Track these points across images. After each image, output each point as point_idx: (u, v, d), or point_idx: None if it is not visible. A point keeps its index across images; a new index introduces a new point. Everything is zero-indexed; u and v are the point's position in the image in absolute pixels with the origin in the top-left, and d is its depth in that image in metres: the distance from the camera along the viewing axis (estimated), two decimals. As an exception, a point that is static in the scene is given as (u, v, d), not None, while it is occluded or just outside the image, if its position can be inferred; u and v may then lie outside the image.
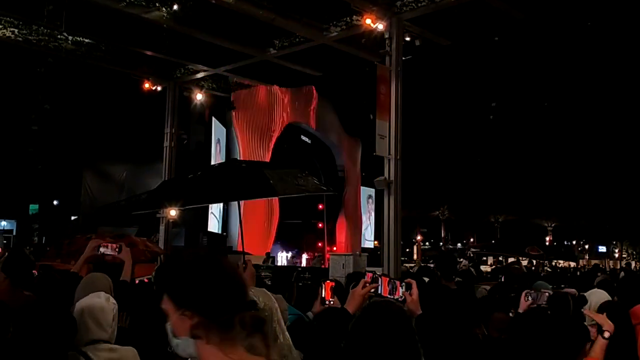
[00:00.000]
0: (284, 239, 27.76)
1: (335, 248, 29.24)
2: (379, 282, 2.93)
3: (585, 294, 4.61)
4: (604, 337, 3.13)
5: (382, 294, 2.86)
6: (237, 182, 6.42)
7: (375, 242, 32.82)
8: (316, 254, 28.57)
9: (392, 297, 2.79)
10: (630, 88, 35.97)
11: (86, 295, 2.95)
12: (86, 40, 13.64)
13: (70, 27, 12.54)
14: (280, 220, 26.29)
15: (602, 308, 3.87)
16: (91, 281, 3.61)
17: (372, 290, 2.92)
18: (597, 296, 4.28)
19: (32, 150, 12.64)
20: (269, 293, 2.25)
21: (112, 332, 2.81)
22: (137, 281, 4.40)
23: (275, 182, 6.03)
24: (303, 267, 23.05)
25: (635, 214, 50.24)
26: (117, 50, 14.16)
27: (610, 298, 4.33)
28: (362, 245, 30.68)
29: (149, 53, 14.19)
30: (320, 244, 31.25)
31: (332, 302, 3.40)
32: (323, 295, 3.43)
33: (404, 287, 2.86)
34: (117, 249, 4.43)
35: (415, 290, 2.85)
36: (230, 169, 7.90)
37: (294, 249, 28.77)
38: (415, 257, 47.84)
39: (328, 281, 3.50)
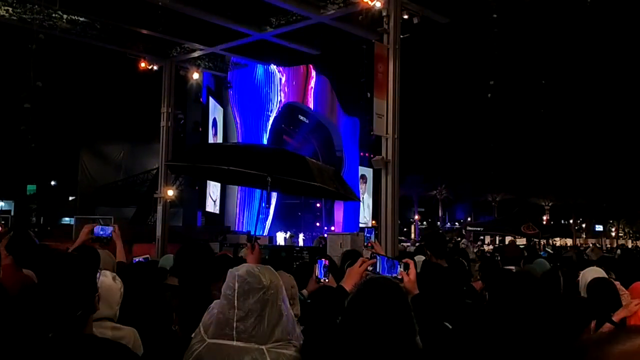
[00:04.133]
0: (282, 219, 27.85)
1: (333, 228, 29.36)
2: (377, 261, 2.94)
3: (581, 272, 4.64)
4: None
5: (380, 272, 2.88)
6: (278, 159, 6.50)
7: (373, 222, 32.94)
8: (314, 234, 28.73)
9: (390, 275, 2.80)
10: (628, 67, 35.86)
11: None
12: (81, 19, 13.50)
13: (65, 6, 12.40)
14: (279, 200, 26.36)
15: (591, 285, 3.90)
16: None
17: (370, 268, 2.93)
18: (591, 273, 4.30)
19: (24, 128, 12.57)
20: (274, 271, 2.26)
21: (117, 312, 2.82)
22: (134, 260, 4.42)
23: (315, 172, 6.09)
24: (301, 246, 23.16)
25: (631, 192, 50.42)
26: (113, 29, 14.01)
27: (605, 275, 4.35)
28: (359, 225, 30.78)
29: (144, 32, 14.05)
30: (318, 224, 31.38)
31: (326, 280, 3.42)
32: (317, 274, 3.45)
33: (402, 267, 2.88)
34: (108, 231, 4.51)
35: (413, 270, 2.87)
36: (271, 148, 7.98)
37: (292, 228, 28.86)
38: (412, 236, 48.04)
39: (322, 259, 3.52)
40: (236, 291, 2.08)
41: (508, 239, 20.60)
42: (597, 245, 27.55)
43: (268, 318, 2.06)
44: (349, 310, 1.96)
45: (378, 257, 2.95)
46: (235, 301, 2.07)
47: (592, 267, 4.74)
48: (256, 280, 2.10)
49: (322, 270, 3.45)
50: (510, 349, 2.16)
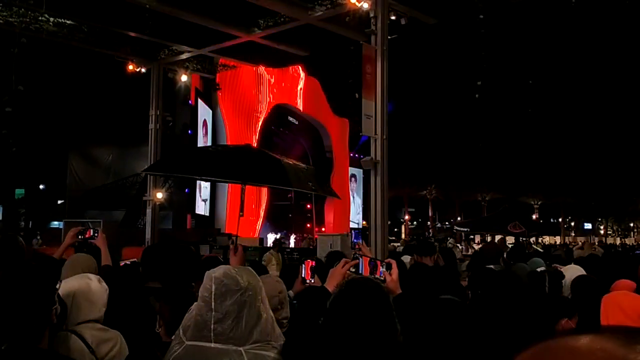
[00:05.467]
0: (273, 221, 27.83)
1: (323, 229, 29.37)
2: (360, 261, 2.97)
3: (562, 268, 4.68)
4: None
5: (363, 273, 2.90)
6: (253, 165, 6.48)
7: (364, 222, 32.99)
8: (305, 235, 28.74)
9: (372, 276, 2.82)
10: (614, 66, 36.15)
11: (72, 275, 2.97)
12: (68, 22, 13.43)
13: (51, 9, 12.34)
14: (270, 202, 26.35)
15: (574, 283, 3.94)
16: (77, 261, 3.65)
17: (353, 269, 2.95)
18: (572, 271, 4.35)
19: (5, 132, 12.49)
20: (253, 272, 2.26)
21: (103, 314, 2.84)
22: (121, 264, 4.43)
23: (291, 175, 6.09)
24: (292, 247, 23.15)
25: (619, 191, 50.83)
26: (100, 31, 13.97)
27: (585, 273, 4.40)
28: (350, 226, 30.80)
29: (132, 34, 14.02)
30: (309, 225, 31.40)
31: (312, 281, 3.44)
32: (303, 275, 3.47)
33: (384, 267, 2.91)
34: (94, 235, 4.53)
35: (395, 270, 2.90)
36: (248, 152, 7.97)
37: (283, 230, 28.84)
38: (403, 236, 48.15)
39: (308, 260, 3.54)
40: (213, 293, 2.08)
41: (498, 237, 20.68)
42: (589, 242, 27.73)
43: (246, 319, 2.07)
44: (331, 310, 1.97)
45: (360, 258, 2.98)
46: (213, 303, 2.07)
47: (571, 265, 4.79)
48: (233, 281, 2.10)
49: (308, 271, 3.47)
50: (485, 346, 2.19)
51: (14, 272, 2.15)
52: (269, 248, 19.13)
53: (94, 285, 2.83)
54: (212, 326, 2.05)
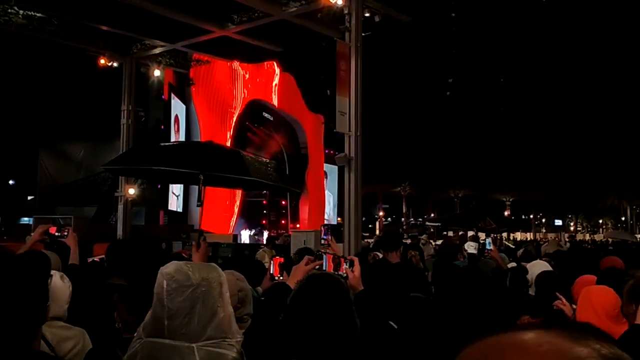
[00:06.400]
0: (247, 217, 27.72)
1: (298, 225, 29.36)
2: (324, 259, 3.00)
3: (527, 265, 4.76)
4: None
5: (327, 270, 2.93)
6: (212, 155, 6.45)
7: (339, 219, 33.05)
8: (281, 232, 28.69)
9: (335, 273, 2.85)
10: (584, 65, 36.76)
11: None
12: (38, 15, 13.21)
13: (21, 1, 12.13)
14: (244, 198, 26.23)
15: (539, 279, 4.02)
16: (41, 259, 3.60)
17: (317, 267, 2.98)
18: (537, 267, 4.43)
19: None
20: (210, 267, 2.24)
21: (65, 311, 2.80)
22: (89, 260, 4.38)
23: (250, 166, 6.09)
24: (266, 243, 23.06)
25: (589, 189, 51.80)
26: (71, 25, 13.75)
27: (550, 269, 4.48)
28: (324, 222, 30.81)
29: (104, 28, 13.84)
30: (283, 222, 31.36)
31: (281, 278, 3.45)
32: (272, 272, 3.48)
33: (347, 264, 2.94)
34: (64, 233, 4.47)
35: (357, 267, 2.94)
36: (207, 145, 7.96)
37: (257, 226, 28.75)
38: (377, 232, 48.42)
39: (276, 257, 3.54)
40: (165, 289, 2.08)
41: (470, 233, 20.92)
42: (555, 239, 28.21)
43: (199, 316, 2.06)
44: (291, 306, 1.98)
45: (324, 255, 3.01)
46: (165, 299, 2.07)
47: (537, 261, 4.88)
48: (184, 277, 2.09)
49: (277, 268, 3.48)
50: (444, 342, 2.21)
51: (5, 266, 1.95)
52: (243, 245, 19.05)
53: (57, 282, 2.79)
54: (165, 322, 2.05)
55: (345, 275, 2.86)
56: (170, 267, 2.14)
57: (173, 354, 2.03)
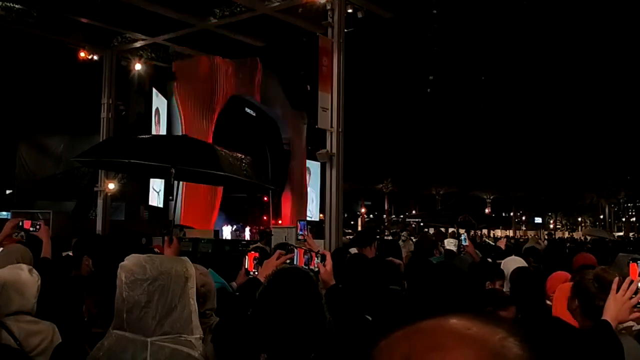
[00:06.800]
0: (228, 213, 27.59)
1: (280, 221, 29.30)
2: (295, 253, 2.99)
3: (501, 261, 4.81)
4: None
5: (298, 264, 2.92)
6: (184, 149, 6.35)
7: (321, 215, 33.05)
8: (262, 228, 28.59)
9: (306, 267, 2.84)
10: (564, 64, 37.13)
11: (5, 267, 2.88)
12: (17, 6, 13.03)
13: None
14: (225, 193, 26.09)
15: (513, 275, 4.05)
16: (11, 252, 3.54)
17: (288, 261, 2.97)
18: (512, 263, 4.47)
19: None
20: (174, 261, 2.22)
21: (34, 305, 2.76)
22: (64, 254, 4.33)
23: (223, 161, 6.01)
24: (248, 239, 23.02)
25: (568, 187, 52.43)
26: (50, 17, 13.57)
27: (525, 265, 4.53)
28: (306, 219, 30.79)
29: (84, 20, 13.68)
30: (265, 218, 31.28)
31: (255, 273, 3.43)
32: (246, 266, 3.46)
33: (319, 259, 2.93)
34: (37, 226, 4.41)
35: (329, 261, 2.93)
36: (181, 138, 7.87)
37: (239, 222, 28.63)
38: (359, 229, 48.53)
39: (251, 252, 3.53)
40: (123, 282, 2.07)
41: (451, 230, 21.01)
42: (535, 236, 28.52)
43: (155, 310, 2.04)
44: (259, 300, 1.97)
45: (296, 250, 3.01)
46: (123, 292, 2.06)
47: (512, 257, 4.92)
48: (141, 271, 2.08)
49: (251, 263, 3.46)
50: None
51: None
52: (224, 241, 18.96)
53: (25, 275, 2.75)
54: (124, 315, 2.04)
55: (316, 269, 2.85)
56: (129, 260, 2.13)
57: (129, 347, 2.02)
